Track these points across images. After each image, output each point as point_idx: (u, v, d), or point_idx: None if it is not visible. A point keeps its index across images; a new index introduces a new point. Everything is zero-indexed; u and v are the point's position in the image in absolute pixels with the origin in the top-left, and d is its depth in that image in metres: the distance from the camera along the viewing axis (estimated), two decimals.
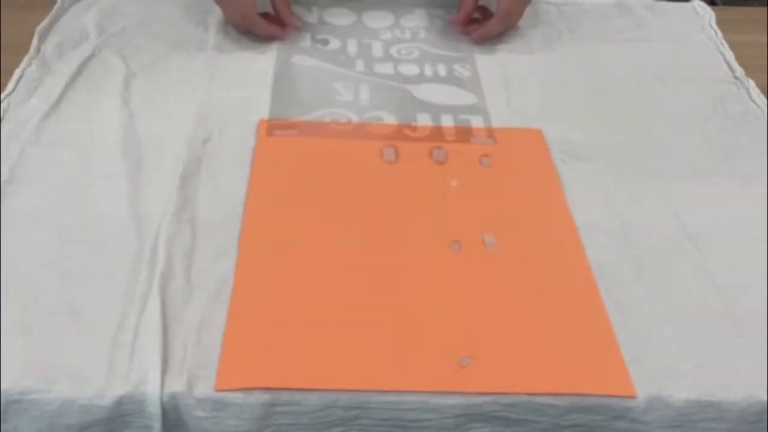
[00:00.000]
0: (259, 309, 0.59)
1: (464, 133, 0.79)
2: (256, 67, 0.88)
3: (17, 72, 0.83)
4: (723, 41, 0.96)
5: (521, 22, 0.98)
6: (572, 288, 0.63)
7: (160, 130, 0.77)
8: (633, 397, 0.55)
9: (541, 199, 0.71)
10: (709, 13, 1.02)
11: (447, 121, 0.81)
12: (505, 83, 0.87)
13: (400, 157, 0.76)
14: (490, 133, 0.79)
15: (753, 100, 0.86)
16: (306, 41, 0.93)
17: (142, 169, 0.72)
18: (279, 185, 0.71)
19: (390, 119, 0.81)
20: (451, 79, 0.88)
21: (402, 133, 0.79)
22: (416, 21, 0.99)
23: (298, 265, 0.63)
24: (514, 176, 0.74)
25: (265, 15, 0.92)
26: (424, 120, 0.82)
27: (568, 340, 0.58)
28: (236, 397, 0.54)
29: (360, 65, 0.90)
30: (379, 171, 0.74)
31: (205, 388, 0.54)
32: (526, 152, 0.77)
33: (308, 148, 0.76)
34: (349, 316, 0.59)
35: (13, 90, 0.81)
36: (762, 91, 0.87)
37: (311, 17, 0.98)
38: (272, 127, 0.78)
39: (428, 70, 0.90)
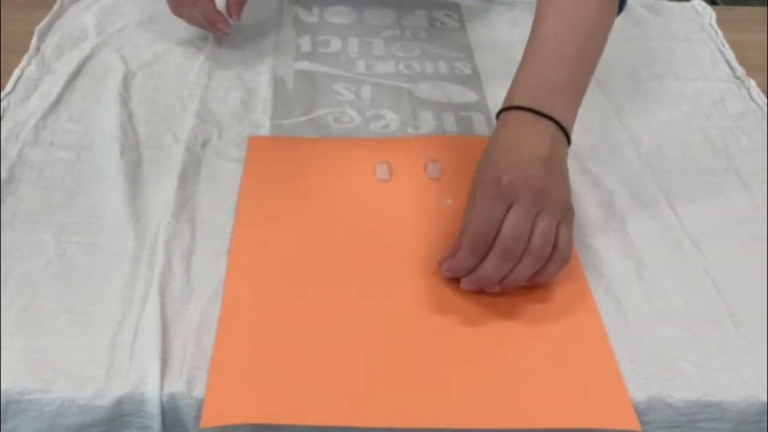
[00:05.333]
0: (245, 341, 0.57)
1: (466, 131, 0.79)
2: (256, 67, 0.88)
3: (17, 72, 0.83)
4: (723, 41, 0.96)
5: (521, 22, 0.98)
6: (574, 316, 0.60)
7: (159, 130, 0.77)
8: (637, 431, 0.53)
9: None
10: (709, 12, 1.02)
11: (448, 119, 0.81)
12: (506, 82, 0.87)
13: (394, 174, 0.73)
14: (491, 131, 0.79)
15: (753, 100, 0.86)
16: (307, 45, 0.93)
17: (141, 169, 0.72)
18: (268, 210, 0.68)
19: (392, 117, 0.81)
20: (452, 77, 0.88)
21: (404, 130, 0.79)
22: (417, 21, 0.99)
23: (286, 297, 0.61)
24: None
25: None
26: (425, 118, 0.81)
27: (571, 372, 0.56)
28: None
29: (361, 65, 0.90)
30: (373, 190, 0.71)
31: (204, 388, 0.54)
32: None
33: (299, 168, 0.73)
34: (339, 348, 0.57)
35: (13, 90, 0.81)
36: (762, 90, 0.87)
37: (312, 17, 0.99)
38: (262, 143, 0.76)
39: (429, 68, 0.90)
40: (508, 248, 0.58)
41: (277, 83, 0.85)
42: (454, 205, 0.70)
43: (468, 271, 0.60)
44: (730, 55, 0.93)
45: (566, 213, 0.61)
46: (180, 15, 0.89)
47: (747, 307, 0.62)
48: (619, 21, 0.98)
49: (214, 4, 0.89)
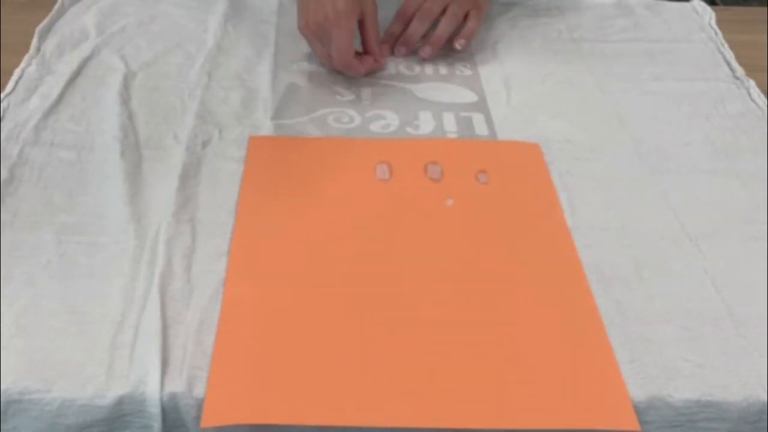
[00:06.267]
0: (245, 341, 0.57)
1: (466, 131, 0.79)
2: (256, 67, 0.88)
3: (17, 72, 0.83)
4: (723, 41, 0.96)
5: (521, 22, 0.98)
6: (574, 316, 0.60)
7: (159, 131, 0.77)
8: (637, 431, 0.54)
9: (540, 223, 0.69)
10: (709, 13, 1.02)
11: (448, 119, 0.81)
12: (506, 82, 0.87)
13: (394, 174, 0.73)
14: (491, 133, 0.79)
15: (753, 100, 0.86)
16: (307, 45, 0.92)
17: (141, 170, 0.72)
18: (268, 210, 0.68)
19: (392, 118, 0.81)
20: (452, 78, 0.88)
21: (404, 131, 0.79)
22: None
23: (287, 296, 0.61)
24: (511, 196, 0.71)
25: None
26: (425, 118, 0.82)
27: (571, 373, 0.56)
28: None
29: None
30: (373, 190, 0.71)
31: (204, 388, 0.54)
32: (524, 169, 0.75)
33: (300, 168, 0.73)
34: (339, 348, 0.57)
35: (13, 90, 0.81)
36: (762, 91, 0.87)
37: None
38: (262, 143, 0.76)
39: (429, 69, 0.90)
40: (427, 9, 0.88)
41: (277, 83, 0.85)
42: (454, 206, 0.70)
43: (398, 37, 0.91)
44: (730, 55, 0.93)
45: (477, 3, 0.89)
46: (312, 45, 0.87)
47: (747, 307, 0.62)
48: (620, 21, 0.99)
49: (351, 44, 0.83)
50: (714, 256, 0.66)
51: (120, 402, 0.53)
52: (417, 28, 0.89)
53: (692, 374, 0.56)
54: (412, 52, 0.91)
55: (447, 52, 0.92)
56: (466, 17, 0.89)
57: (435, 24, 0.89)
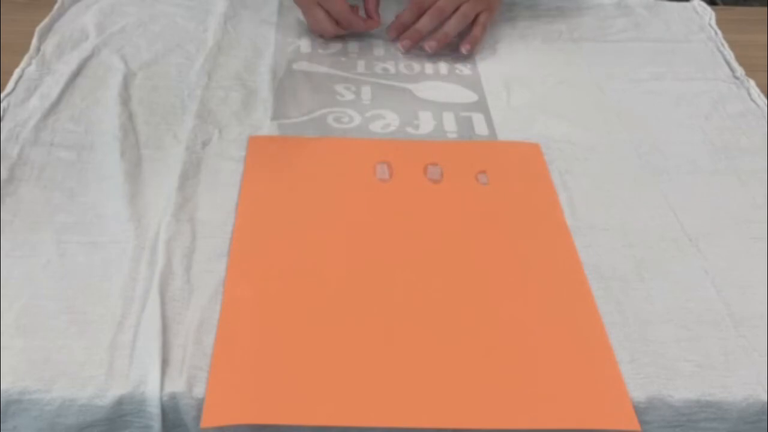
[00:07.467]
0: (245, 341, 0.57)
1: (466, 131, 0.79)
2: (256, 67, 0.88)
3: (17, 72, 0.83)
4: (723, 41, 0.96)
5: (521, 22, 0.98)
6: (574, 316, 0.60)
7: (159, 131, 0.77)
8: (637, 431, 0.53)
9: (540, 223, 0.68)
10: (709, 12, 1.02)
11: (448, 119, 0.81)
12: (506, 82, 0.87)
13: (394, 174, 0.73)
14: (491, 133, 0.79)
15: (753, 100, 0.86)
16: (307, 45, 0.93)
17: (141, 169, 0.72)
18: (268, 210, 0.68)
19: (392, 118, 0.81)
20: (452, 78, 0.88)
21: (404, 130, 0.79)
22: None
23: (286, 297, 0.61)
24: (511, 196, 0.71)
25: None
26: (425, 118, 0.82)
27: (571, 373, 0.56)
28: None
29: (361, 66, 0.90)
30: (373, 190, 0.71)
31: (204, 388, 0.54)
32: (524, 169, 0.74)
33: (300, 167, 0.73)
34: (339, 348, 0.57)
35: (13, 90, 0.81)
36: (762, 90, 0.87)
37: None
38: (262, 143, 0.76)
39: (429, 69, 0.90)
40: (440, 8, 0.88)
41: (277, 83, 0.85)
42: (454, 207, 0.70)
43: (407, 26, 0.91)
44: (730, 55, 0.93)
45: (489, 5, 0.90)
46: (307, 17, 0.91)
47: (747, 307, 0.62)
48: (620, 21, 0.99)
49: (345, 3, 0.89)
50: (714, 256, 0.66)
51: (120, 402, 0.53)
52: (426, 25, 0.90)
53: (692, 374, 0.56)
54: (417, 47, 0.92)
55: (448, 51, 0.92)
56: (475, 19, 0.90)
57: (444, 22, 0.90)
